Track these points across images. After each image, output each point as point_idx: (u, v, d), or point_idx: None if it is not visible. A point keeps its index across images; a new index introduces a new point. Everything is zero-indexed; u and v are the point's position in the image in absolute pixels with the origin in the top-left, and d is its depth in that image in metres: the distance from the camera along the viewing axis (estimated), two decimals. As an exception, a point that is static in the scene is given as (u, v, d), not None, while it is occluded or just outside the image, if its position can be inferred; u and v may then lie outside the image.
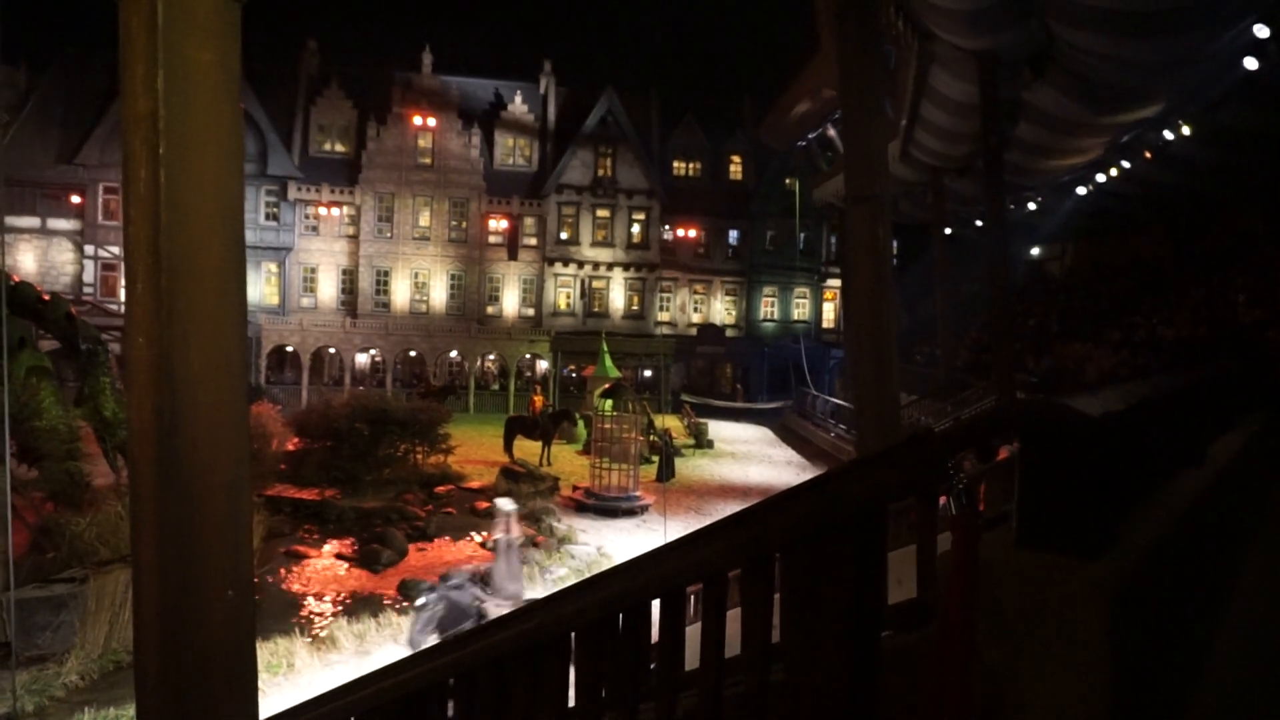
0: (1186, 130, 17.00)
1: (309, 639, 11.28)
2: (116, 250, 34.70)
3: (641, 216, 40.97)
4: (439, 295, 39.16)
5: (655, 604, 2.57)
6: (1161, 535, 2.18)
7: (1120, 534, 2.01)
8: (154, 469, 2.66)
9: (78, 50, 36.89)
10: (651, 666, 2.73)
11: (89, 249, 35.46)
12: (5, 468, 9.81)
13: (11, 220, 34.43)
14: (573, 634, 2.76)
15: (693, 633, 2.57)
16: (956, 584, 1.81)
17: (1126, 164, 20.31)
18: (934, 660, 1.84)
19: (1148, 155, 19.21)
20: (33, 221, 35.30)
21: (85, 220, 35.32)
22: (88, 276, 35.54)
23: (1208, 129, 16.79)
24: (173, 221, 2.63)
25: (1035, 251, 34.73)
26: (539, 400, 28.10)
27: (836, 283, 41.49)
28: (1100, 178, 21.81)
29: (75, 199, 35.25)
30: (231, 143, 2.83)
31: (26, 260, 35.13)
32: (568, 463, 24.65)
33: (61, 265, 35.77)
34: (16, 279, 14.04)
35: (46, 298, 13.07)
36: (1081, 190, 23.44)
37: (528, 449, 24.21)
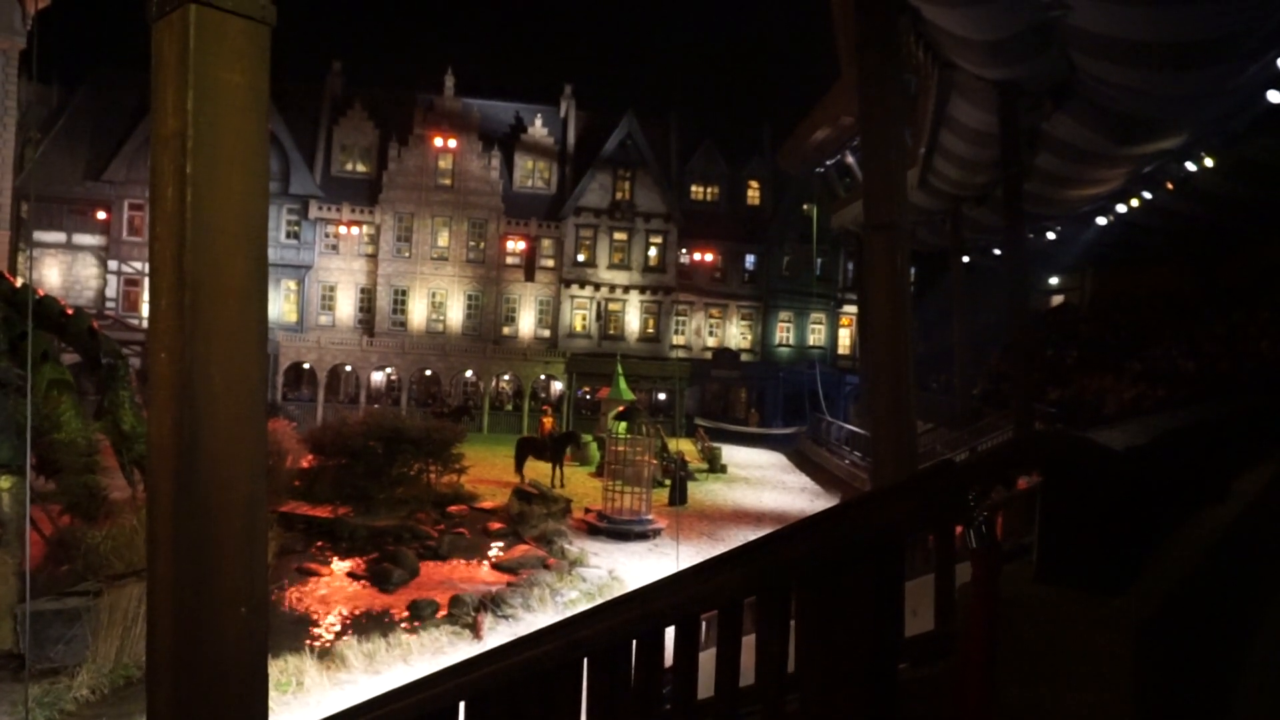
0: (1209, 162, 16.91)
1: (319, 657, 11.25)
2: (139, 266, 35.16)
3: (658, 240, 41.13)
4: (456, 315, 39.37)
5: (669, 630, 2.55)
6: (1185, 571, 2.15)
7: (1143, 570, 1.97)
8: (172, 483, 2.68)
9: (108, 70, 37.63)
10: (665, 691, 2.70)
11: (112, 264, 35.94)
12: (25, 480, 9.89)
13: (38, 235, 34.97)
14: (586, 659, 2.73)
15: (706, 659, 2.55)
16: (976, 618, 1.79)
17: (1148, 195, 20.22)
18: (953, 694, 1.81)
19: (1169, 187, 19.11)
20: (59, 236, 35.85)
21: (110, 236, 35.83)
22: (110, 291, 35.98)
23: (1230, 162, 16.70)
24: (198, 239, 2.66)
25: (1054, 281, 34.57)
26: (549, 422, 28.13)
27: (853, 309, 41.46)
28: (1121, 208, 21.70)
29: (101, 215, 35.78)
30: (257, 163, 2.87)
31: (51, 274, 35.63)
32: (580, 485, 24.59)
33: (85, 280, 36.24)
34: (41, 293, 14.22)
35: (70, 312, 13.21)
36: (1102, 220, 23.34)
37: (542, 470, 24.21)
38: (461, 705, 3.27)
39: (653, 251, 41.19)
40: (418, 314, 38.94)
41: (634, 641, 2.59)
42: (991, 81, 15.64)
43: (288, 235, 37.79)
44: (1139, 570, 1.94)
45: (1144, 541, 2.06)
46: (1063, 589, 1.84)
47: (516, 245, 39.82)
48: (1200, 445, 3.14)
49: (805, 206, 40.77)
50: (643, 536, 19.14)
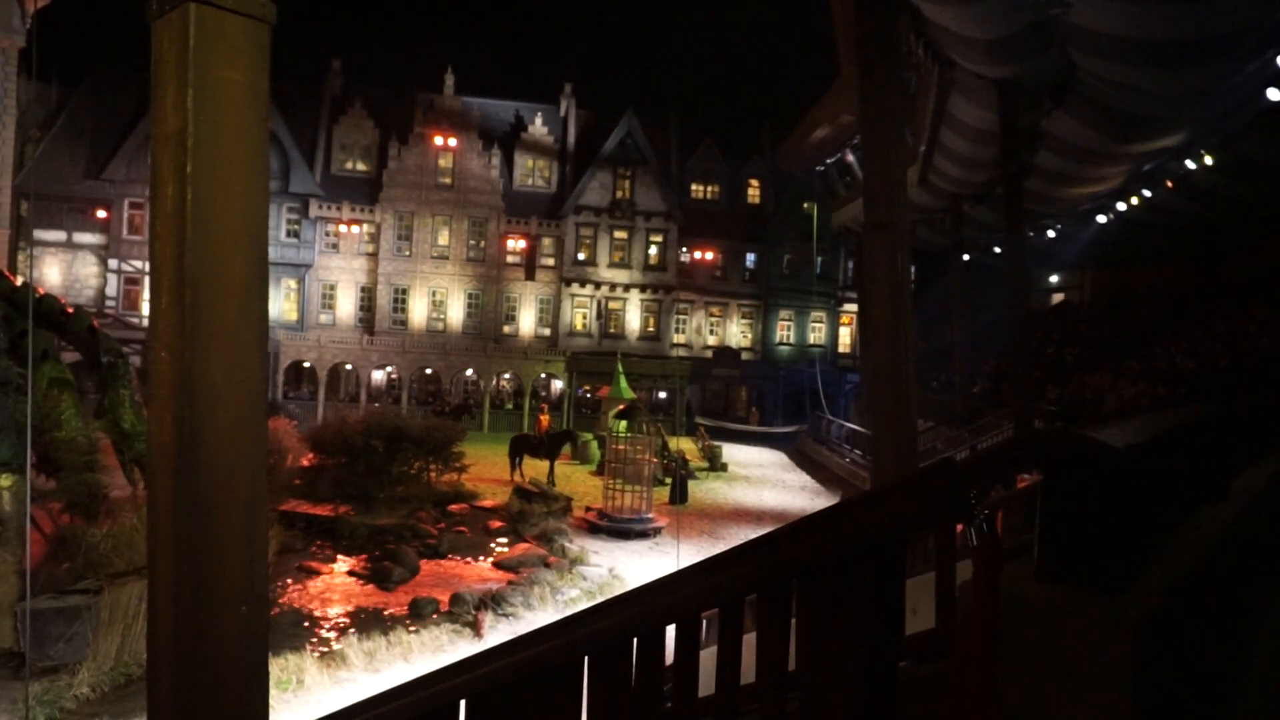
0: (1209, 160, 16.92)
1: (320, 655, 11.26)
2: (139, 264, 35.16)
3: (659, 238, 41.12)
4: (456, 314, 39.37)
5: (670, 628, 2.55)
6: (1185, 570, 2.15)
7: (1144, 568, 1.97)
8: (172, 482, 2.68)
9: (108, 69, 37.61)
10: (666, 689, 2.70)
11: (113, 263, 35.93)
12: (26, 478, 9.90)
13: (39, 234, 34.96)
14: (586, 659, 2.73)
15: (707, 656, 2.55)
16: (977, 617, 1.79)
17: (1148, 193, 20.23)
18: (953, 693, 1.81)
19: (1169, 185, 19.12)
20: (59, 235, 35.84)
21: (110, 235, 35.82)
22: (111, 290, 35.98)
23: (1230, 160, 16.70)
24: (198, 238, 2.66)
25: (1055, 279, 34.57)
26: (545, 420, 28.17)
27: (853, 307, 41.43)
28: (1121, 206, 21.71)
29: (101, 214, 35.77)
30: (257, 162, 2.86)
31: (52, 273, 35.63)
32: (581, 483, 24.61)
33: (85, 279, 36.23)
34: (41, 291, 14.22)
35: (70, 310, 13.21)
36: (1102, 218, 23.34)
37: (541, 469, 24.23)
38: (462, 704, 3.28)
39: (653, 250, 41.18)
40: (418, 313, 38.94)
41: (635, 640, 2.59)
42: (991, 79, 15.64)
43: (288, 234, 37.78)
44: (1139, 569, 1.94)
45: (1144, 540, 2.06)
46: (1064, 587, 1.84)
47: (517, 244, 39.81)
48: (1200, 444, 3.14)
49: (805, 205, 40.77)
50: (643, 535, 19.15)
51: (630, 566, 16.47)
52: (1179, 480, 2.64)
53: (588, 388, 38.13)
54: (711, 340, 42.75)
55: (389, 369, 37.60)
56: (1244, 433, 4.66)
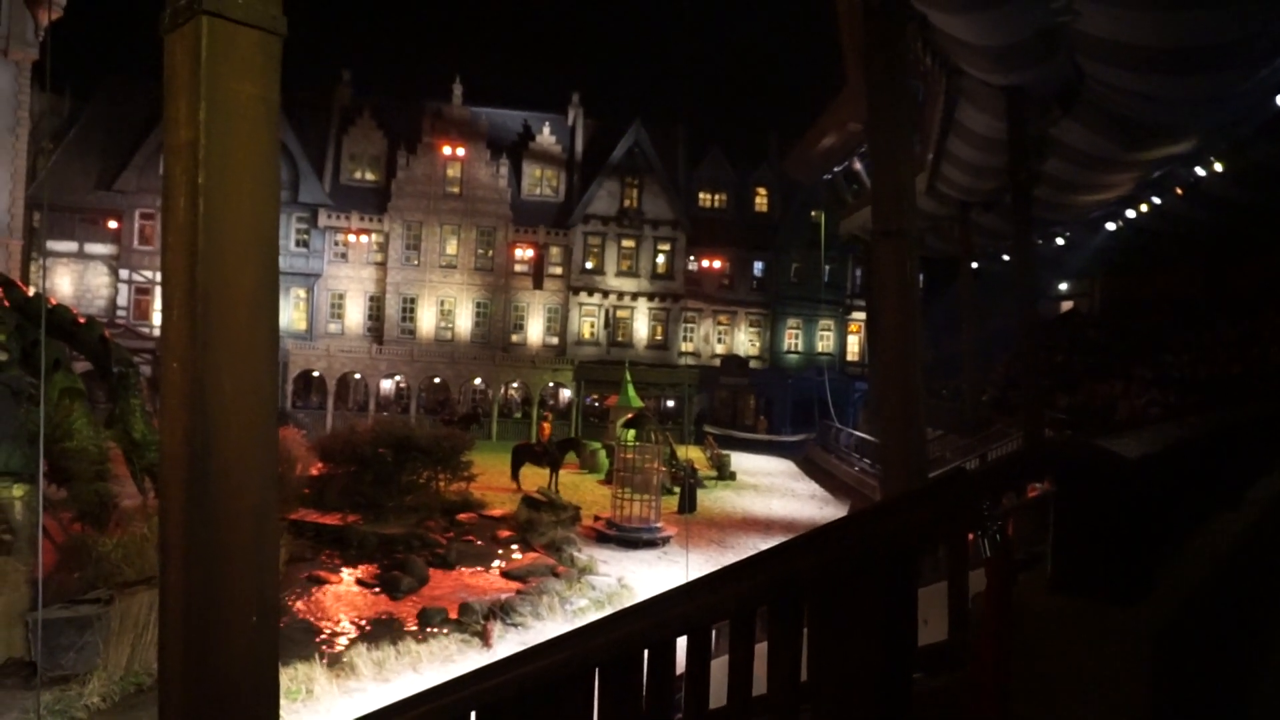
0: (1218, 167, 16.84)
1: (329, 665, 11.25)
2: (150, 274, 35.35)
3: (666, 247, 41.16)
4: (464, 323, 39.45)
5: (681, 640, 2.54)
6: (1201, 581, 2.13)
7: (1158, 579, 1.96)
8: (184, 492, 2.68)
9: (120, 80, 37.92)
10: (677, 697, 2.69)
11: (124, 273, 36.14)
12: (38, 488, 9.94)
13: (51, 244, 35.21)
14: (597, 669, 2.73)
15: (718, 666, 2.54)
16: (990, 628, 1.78)
17: (1157, 200, 20.14)
18: (966, 705, 1.80)
19: (1179, 192, 19.03)
20: (70, 245, 36.07)
21: (121, 245, 36.05)
22: (121, 300, 36.18)
23: (1239, 166, 16.63)
24: (209, 250, 2.67)
25: (1064, 287, 34.45)
26: (548, 428, 28.11)
27: (861, 315, 41.37)
28: (1130, 213, 21.62)
29: (112, 224, 36.00)
30: (268, 173, 2.88)
31: (63, 283, 35.86)
32: (589, 492, 24.57)
33: (97, 289, 36.45)
34: (53, 301, 14.30)
35: (81, 320, 13.28)
36: (1111, 226, 23.25)
37: (545, 478, 24.20)
38: (473, 715, 3.27)
39: (661, 259, 41.22)
40: (426, 322, 39.03)
41: (646, 651, 2.58)
42: (999, 87, 15.61)
43: (297, 244, 37.96)
44: (1154, 579, 1.93)
45: (1158, 550, 2.05)
46: (1077, 598, 1.82)
47: (525, 253, 39.92)
48: (1213, 452, 3.11)
49: (813, 213, 40.74)
50: (652, 544, 19.11)
51: (639, 576, 16.43)
52: (1192, 489, 2.62)
53: (596, 396, 38.14)
54: (719, 348, 42.72)
55: (397, 378, 37.69)
56: (1257, 440, 4.62)
